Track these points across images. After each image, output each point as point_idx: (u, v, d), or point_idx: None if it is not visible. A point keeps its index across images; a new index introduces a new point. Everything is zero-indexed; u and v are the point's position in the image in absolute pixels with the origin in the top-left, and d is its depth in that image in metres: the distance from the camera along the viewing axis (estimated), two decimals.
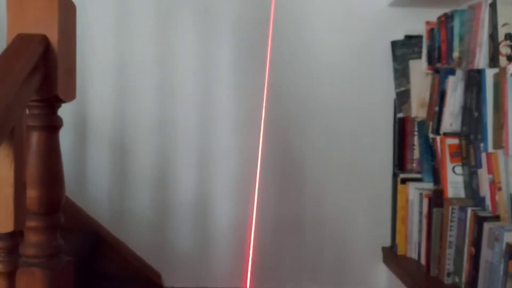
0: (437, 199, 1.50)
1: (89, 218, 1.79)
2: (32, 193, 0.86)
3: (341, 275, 1.85)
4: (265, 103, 1.77)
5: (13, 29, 0.84)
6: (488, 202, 1.33)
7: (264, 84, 1.76)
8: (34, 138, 0.87)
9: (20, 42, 0.82)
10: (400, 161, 1.78)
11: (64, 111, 1.81)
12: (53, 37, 0.85)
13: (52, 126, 0.89)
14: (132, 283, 1.75)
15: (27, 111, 0.87)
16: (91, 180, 1.81)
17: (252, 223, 1.72)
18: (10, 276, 0.79)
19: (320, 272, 1.85)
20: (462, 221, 1.39)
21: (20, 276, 0.86)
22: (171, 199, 1.82)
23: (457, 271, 1.41)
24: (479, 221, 1.29)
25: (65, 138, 1.77)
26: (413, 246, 1.67)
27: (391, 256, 1.76)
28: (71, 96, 0.91)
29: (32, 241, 0.89)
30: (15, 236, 0.79)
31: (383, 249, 1.82)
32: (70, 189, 1.78)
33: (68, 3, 0.90)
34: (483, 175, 1.35)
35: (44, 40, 0.84)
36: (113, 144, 1.82)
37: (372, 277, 1.85)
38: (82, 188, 1.79)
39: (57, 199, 0.89)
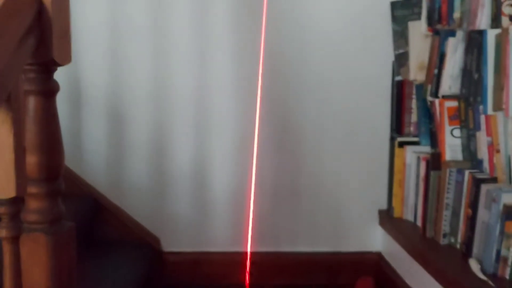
0: (434, 162, 1.51)
1: (87, 185, 1.79)
2: (31, 159, 0.85)
3: (337, 238, 1.88)
4: (262, 69, 1.75)
5: None
6: (486, 164, 1.34)
7: (260, 50, 1.74)
8: (31, 103, 0.85)
9: (12, 2, 0.79)
10: (397, 125, 1.78)
11: (58, 79, 1.78)
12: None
13: (49, 90, 0.87)
14: (132, 248, 1.76)
15: (23, 76, 0.85)
16: (87, 148, 1.80)
17: (251, 187, 1.73)
18: (14, 241, 0.79)
19: (316, 235, 1.88)
20: (459, 184, 1.41)
21: (24, 242, 0.86)
22: (169, 166, 1.81)
23: (453, 232, 1.43)
24: (477, 183, 1.30)
25: (60, 106, 1.75)
26: (409, 209, 1.69)
27: (387, 218, 1.78)
28: (67, 59, 0.89)
29: (34, 207, 0.88)
30: (17, 202, 0.79)
31: (380, 212, 1.85)
32: (67, 157, 1.75)
33: None
34: (482, 138, 1.36)
35: (37, 1, 0.81)
36: (109, 112, 1.80)
37: (368, 240, 1.88)
38: (79, 156, 1.78)
39: (57, 165, 0.88)
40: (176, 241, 1.84)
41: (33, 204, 0.88)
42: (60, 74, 1.74)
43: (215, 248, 1.85)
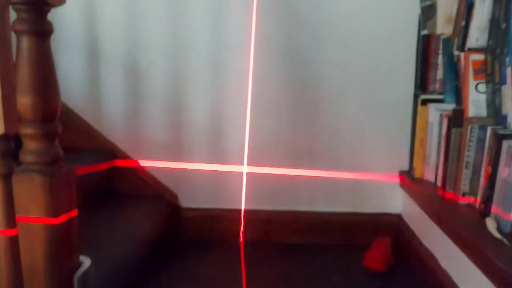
0: (457, 119, 1.43)
1: (105, 139, 1.82)
2: (25, 100, 0.85)
3: (356, 199, 1.84)
4: (279, 19, 1.70)
5: None
6: (510, 120, 1.26)
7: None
8: (24, 43, 0.85)
9: None
10: (422, 82, 1.69)
11: (76, 33, 1.79)
12: None
13: (42, 31, 0.86)
14: (150, 202, 1.79)
15: (16, 15, 0.85)
16: (106, 103, 1.82)
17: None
18: (6, 178, 0.80)
19: (335, 195, 1.84)
20: (481, 141, 1.33)
21: (20, 182, 0.88)
22: (186, 121, 1.81)
23: (473, 192, 1.36)
24: (498, 139, 1.23)
25: (78, 61, 1.78)
26: (431, 169, 1.62)
27: (408, 179, 1.72)
28: (60, 0, 0.88)
29: (31, 148, 0.89)
30: (8, 139, 0.80)
31: (401, 172, 1.79)
32: (84, 111, 1.82)
33: None
34: (507, 92, 1.27)
35: None
36: (126, 67, 1.80)
37: (388, 201, 1.83)
38: (96, 110, 1.80)
39: (52, 106, 0.89)
40: (194, 197, 1.86)
41: (29, 145, 0.89)
42: (77, 28, 1.76)
43: (232, 206, 1.85)
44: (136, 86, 1.80)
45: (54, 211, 0.90)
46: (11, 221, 0.82)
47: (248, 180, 1.84)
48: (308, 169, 1.82)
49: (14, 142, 0.82)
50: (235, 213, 1.85)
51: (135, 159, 1.84)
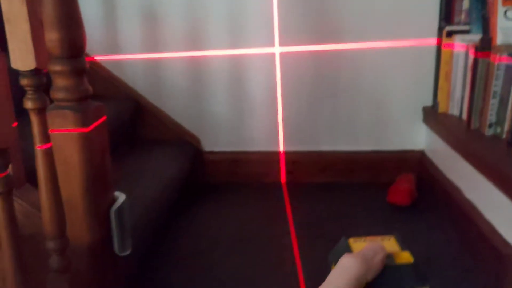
0: (484, 47, 1.39)
1: (128, 87, 1.83)
2: (52, 36, 0.85)
3: (379, 136, 1.84)
4: None
5: None
6: None
7: None
8: None
9: None
10: (447, 13, 1.64)
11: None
12: None
13: None
14: (174, 146, 1.81)
15: None
16: (126, 51, 1.81)
17: (277, 86, 1.70)
18: (41, 112, 0.82)
19: (358, 134, 1.84)
20: (509, 69, 1.30)
21: (53, 118, 0.90)
22: (206, 66, 1.80)
23: (499, 122, 1.34)
24: None
25: (95, 8, 1.76)
26: (455, 103, 1.60)
27: (432, 114, 1.70)
28: None
29: (60, 85, 0.90)
30: (39, 74, 0.81)
31: (424, 108, 1.77)
32: (107, 60, 1.81)
33: None
34: None
35: None
36: (144, 12, 1.77)
37: (411, 138, 1.82)
38: (119, 61, 1.80)
39: (78, 41, 0.88)
40: (216, 141, 1.88)
41: (59, 82, 0.90)
42: None
43: (254, 148, 1.87)
44: (155, 31, 1.78)
45: (88, 146, 0.92)
46: (50, 157, 0.84)
47: (268, 121, 1.84)
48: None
49: (45, 77, 0.82)
50: (258, 155, 1.86)
51: (157, 105, 1.85)
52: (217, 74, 1.81)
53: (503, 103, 1.33)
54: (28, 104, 0.80)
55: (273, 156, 1.86)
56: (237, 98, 1.83)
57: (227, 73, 1.81)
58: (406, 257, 0.35)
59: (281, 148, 1.86)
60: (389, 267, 0.33)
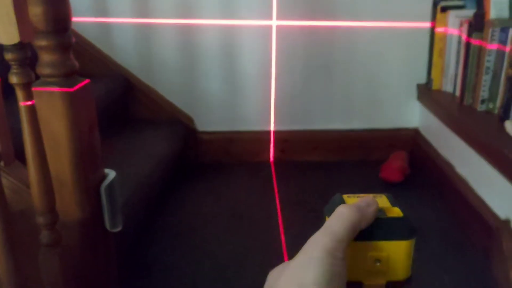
0: (477, 22, 1.38)
1: (118, 65, 1.81)
2: (37, 10, 0.84)
3: (373, 114, 1.84)
4: None
5: None
6: None
7: None
8: None
9: None
10: None
11: None
12: None
13: None
14: (166, 125, 1.80)
15: None
16: (115, 28, 1.78)
17: (272, 64, 1.68)
18: (26, 87, 0.81)
19: (351, 112, 1.84)
20: (502, 43, 1.29)
21: (40, 95, 0.89)
22: (198, 44, 1.78)
23: (492, 97, 1.34)
24: None
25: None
26: (449, 79, 1.59)
27: (426, 92, 1.70)
28: None
29: (46, 60, 0.89)
30: (24, 48, 0.80)
31: (418, 86, 1.76)
32: (95, 37, 1.79)
33: None
34: None
35: None
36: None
37: (405, 116, 1.82)
38: (107, 35, 1.78)
39: (63, 15, 0.87)
40: (209, 120, 1.87)
41: (45, 57, 0.89)
42: None
43: (247, 127, 1.86)
44: (146, 8, 1.75)
45: (75, 121, 0.91)
46: (37, 132, 0.83)
47: (261, 100, 1.83)
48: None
49: (30, 51, 0.81)
50: (251, 134, 1.86)
51: (148, 83, 1.83)
52: (211, 49, 1.78)
53: (495, 79, 1.32)
54: (13, 79, 0.79)
55: (266, 135, 1.86)
56: (230, 75, 1.81)
57: (221, 48, 1.78)
58: (396, 212, 0.38)
59: (272, 127, 1.85)
60: (380, 219, 0.36)
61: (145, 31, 1.78)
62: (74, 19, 0.89)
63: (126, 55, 1.81)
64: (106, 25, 1.78)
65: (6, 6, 0.75)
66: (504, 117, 1.25)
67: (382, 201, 0.41)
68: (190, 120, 1.87)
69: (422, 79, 1.77)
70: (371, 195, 0.42)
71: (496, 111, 1.32)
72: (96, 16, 1.75)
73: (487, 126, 1.27)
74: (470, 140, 1.31)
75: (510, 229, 1.10)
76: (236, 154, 1.87)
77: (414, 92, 1.79)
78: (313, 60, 1.78)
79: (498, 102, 1.31)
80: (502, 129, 1.21)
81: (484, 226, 1.20)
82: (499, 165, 1.13)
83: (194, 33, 1.76)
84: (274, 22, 1.72)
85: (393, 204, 0.40)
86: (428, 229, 1.35)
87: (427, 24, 1.69)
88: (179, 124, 1.84)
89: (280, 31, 1.74)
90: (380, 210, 0.38)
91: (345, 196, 0.43)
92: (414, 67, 1.76)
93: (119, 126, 1.73)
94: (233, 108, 1.85)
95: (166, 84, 1.84)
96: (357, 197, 0.42)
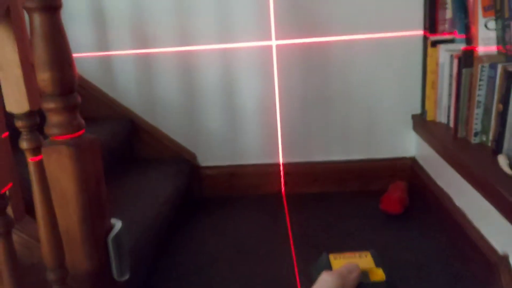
0: (467, 58, 1.42)
1: (123, 107, 1.86)
2: (44, 76, 0.89)
3: (370, 145, 1.87)
4: None
5: None
6: None
7: None
8: (36, 20, 0.87)
9: None
10: (431, 23, 1.67)
11: (81, 6, 1.78)
12: None
13: (51, 6, 0.88)
14: (170, 164, 1.85)
15: None
16: (119, 71, 1.84)
17: (276, 98, 1.73)
18: (36, 152, 0.85)
19: (349, 143, 1.88)
20: (491, 79, 1.33)
21: (49, 154, 0.93)
22: (199, 83, 1.84)
23: (484, 130, 1.38)
24: (509, 76, 1.23)
25: (86, 29, 1.80)
26: (442, 111, 1.63)
27: (421, 122, 1.74)
28: None
29: (54, 121, 0.93)
30: (33, 115, 0.84)
31: (413, 116, 1.81)
32: (101, 81, 1.85)
33: None
34: None
35: None
36: (135, 33, 1.81)
37: (402, 145, 1.86)
38: (112, 79, 1.84)
39: (70, 79, 0.92)
40: (212, 156, 1.91)
41: (53, 119, 0.93)
42: (85, 6, 1.74)
43: (249, 161, 1.90)
44: (147, 58, 1.81)
45: (83, 179, 0.95)
46: (47, 191, 0.87)
47: (262, 133, 1.88)
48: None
49: (39, 117, 0.86)
50: (254, 168, 1.90)
51: (152, 123, 1.88)
52: (212, 82, 1.83)
53: (487, 112, 1.36)
54: (24, 145, 0.84)
55: (269, 168, 1.90)
56: (232, 109, 1.86)
57: (222, 80, 1.83)
58: (380, 274, 0.40)
59: (281, 160, 1.89)
60: (363, 284, 0.39)
61: (146, 66, 1.83)
62: (76, 55, 0.93)
63: (129, 95, 1.87)
64: (110, 68, 1.84)
65: (17, 78, 0.80)
66: (497, 150, 1.29)
67: (367, 261, 0.44)
68: (193, 156, 1.91)
69: (417, 109, 1.81)
70: (356, 254, 0.45)
71: (489, 144, 1.36)
72: (97, 50, 1.81)
73: (481, 159, 1.30)
74: (465, 173, 1.34)
75: (508, 265, 1.12)
76: (240, 188, 1.91)
77: (409, 122, 1.83)
78: (311, 90, 1.82)
79: (491, 135, 1.35)
80: (496, 163, 1.24)
81: (483, 259, 1.22)
82: (494, 201, 1.16)
83: (194, 64, 1.82)
84: (274, 42, 1.77)
85: (377, 264, 0.43)
86: (429, 261, 1.37)
87: (419, 57, 1.74)
88: (182, 161, 1.88)
89: (280, 50, 1.77)
90: (364, 273, 0.41)
91: (331, 257, 0.46)
92: (409, 97, 1.81)
93: (125, 167, 1.78)
94: (234, 142, 1.90)
95: (169, 121, 1.89)
96: (343, 257, 0.45)
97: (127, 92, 1.87)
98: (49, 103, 0.92)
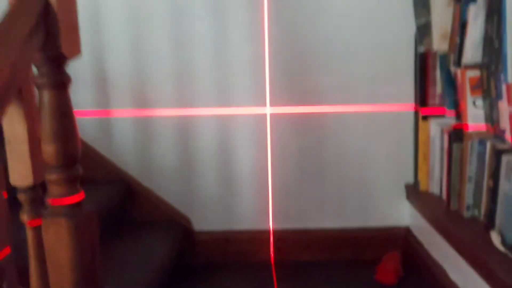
0: (457, 134, 1.48)
1: (119, 170, 1.88)
2: (49, 149, 0.91)
3: (364, 213, 1.89)
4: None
5: None
6: (507, 134, 1.30)
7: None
8: (45, 96, 0.90)
9: (19, 2, 0.84)
10: (422, 97, 1.74)
11: (85, 67, 1.84)
12: None
13: (61, 83, 0.92)
14: (164, 228, 1.84)
15: (36, 71, 0.91)
16: (117, 133, 1.88)
17: (269, 166, 1.76)
18: (36, 223, 0.86)
19: (343, 211, 1.89)
20: (481, 155, 1.37)
21: (48, 225, 0.93)
22: (195, 148, 1.87)
23: (476, 205, 1.41)
24: (498, 154, 1.27)
25: (88, 92, 1.85)
26: (435, 182, 1.66)
27: (414, 192, 1.77)
28: (76, 52, 0.94)
29: (55, 192, 0.95)
30: (36, 188, 0.86)
31: (406, 186, 1.83)
32: (99, 143, 1.88)
33: None
34: (503, 107, 1.31)
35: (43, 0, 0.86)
36: (135, 97, 1.86)
37: (395, 214, 1.87)
38: (109, 141, 1.87)
39: (73, 152, 0.94)
40: (206, 220, 1.91)
41: (54, 190, 0.94)
42: (86, 64, 1.82)
43: (244, 226, 1.90)
44: (145, 119, 1.86)
45: (79, 251, 0.95)
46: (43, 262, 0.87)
47: (257, 199, 1.89)
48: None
49: (41, 190, 0.87)
50: (248, 234, 1.89)
51: (147, 186, 1.89)
52: (207, 147, 1.86)
53: (478, 187, 1.40)
54: (24, 217, 0.85)
55: (262, 234, 1.89)
56: (227, 174, 1.88)
57: (217, 144, 1.86)
58: None
59: (271, 226, 1.89)
60: None
61: (144, 128, 1.87)
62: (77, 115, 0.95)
63: (126, 157, 1.89)
64: (108, 130, 1.88)
65: (23, 153, 0.82)
66: (489, 225, 1.31)
67: None
68: (187, 220, 1.91)
69: (410, 178, 1.84)
70: None
71: (481, 218, 1.38)
72: (97, 111, 1.85)
73: (473, 235, 1.32)
74: (458, 248, 1.35)
75: None
76: (233, 254, 1.89)
77: (403, 191, 1.85)
78: (306, 160, 1.86)
79: (483, 210, 1.37)
80: (488, 239, 1.26)
81: None
82: (487, 278, 1.17)
83: (191, 128, 1.86)
84: (268, 110, 1.82)
85: None
86: None
87: (411, 128, 1.80)
88: (176, 225, 1.88)
89: (274, 119, 1.82)
90: None
91: None
92: (402, 166, 1.84)
93: (119, 230, 1.77)
94: (229, 207, 1.90)
95: (164, 184, 1.90)
96: None
97: (123, 154, 1.89)
98: (52, 175, 0.93)
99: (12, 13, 0.82)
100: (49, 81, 0.90)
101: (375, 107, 1.82)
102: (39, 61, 0.89)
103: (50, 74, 0.90)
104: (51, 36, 0.87)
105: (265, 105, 1.82)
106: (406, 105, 1.81)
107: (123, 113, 1.86)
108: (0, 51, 0.74)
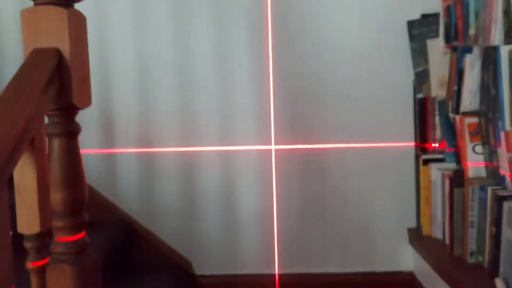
0: (458, 179, 1.49)
1: (121, 212, 1.89)
2: (57, 196, 0.93)
3: (368, 257, 1.88)
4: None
5: (28, 43, 0.90)
6: (508, 180, 1.32)
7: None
8: (55, 144, 0.93)
9: (35, 56, 0.88)
10: (422, 142, 1.77)
11: (92, 109, 1.88)
12: (65, 49, 0.90)
13: (71, 132, 0.94)
14: (165, 272, 1.82)
15: (47, 120, 0.94)
16: (121, 176, 1.90)
17: (274, 210, 1.77)
18: (42, 270, 0.86)
19: (346, 255, 1.88)
20: (483, 201, 1.38)
21: (51, 272, 0.94)
22: (198, 191, 1.88)
23: (480, 250, 1.40)
24: (499, 200, 1.28)
25: (94, 137, 1.88)
26: (438, 227, 1.66)
27: (417, 237, 1.76)
28: (86, 103, 0.97)
29: (61, 240, 0.96)
30: (42, 236, 0.87)
31: (409, 230, 1.83)
32: (103, 186, 1.89)
33: (78, 15, 0.95)
34: (503, 154, 1.34)
35: (57, 53, 0.90)
36: (139, 139, 1.89)
37: (399, 259, 1.86)
38: (113, 184, 1.88)
39: (80, 199, 0.96)
40: (208, 264, 1.90)
41: (59, 236, 0.96)
42: (93, 107, 1.85)
43: (246, 271, 1.89)
44: (149, 158, 1.88)
45: None
46: None
47: (260, 243, 1.88)
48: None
49: (48, 237, 0.88)
50: (250, 278, 1.88)
51: (149, 229, 1.89)
52: (210, 191, 1.87)
53: (481, 232, 1.40)
54: (29, 266, 0.85)
55: (265, 278, 1.88)
56: (230, 216, 1.88)
57: (220, 185, 1.88)
58: None
59: (276, 271, 1.88)
60: None
61: (147, 168, 1.89)
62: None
63: (128, 198, 1.90)
64: (112, 173, 1.89)
65: (32, 202, 0.84)
66: (493, 273, 1.30)
67: None
68: (189, 264, 1.90)
69: (413, 223, 1.84)
70: None
71: (485, 265, 1.37)
72: (100, 148, 1.87)
73: (478, 282, 1.31)
74: None
75: None
76: None
77: (405, 236, 1.85)
78: (309, 205, 1.86)
79: (487, 256, 1.37)
80: (493, 285, 1.25)
81: None
82: None
83: (194, 168, 1.88)
84: (273, 147, 1.84)
85: None
86: None
87: (412, 170, 1.81)
88: (177, 269, 1.86)
89: (279, 157, 1.84)
90: None
91: None
92: (404, 210, 1.85)
93: (120, 274, 1.75)
94: (232, 250, 1.90)
95: (166, 226, 1.90)
96: None
97: (126, 194, 1.90)
98: (58, 222, 0.94)
99: (29, 67, 0.85)
100: (60, 130, 0.93)
101: (376, 145, 1.84)
102: (51, 112, 0.92)
103: (61, 124, 0.93)
104: (64, 89, 0.90)
105: (270, 143, 1.85)
106: (407, 147, 1.83)
107: (127, 153, 1.89)
108: (16, 105, 0.76)
